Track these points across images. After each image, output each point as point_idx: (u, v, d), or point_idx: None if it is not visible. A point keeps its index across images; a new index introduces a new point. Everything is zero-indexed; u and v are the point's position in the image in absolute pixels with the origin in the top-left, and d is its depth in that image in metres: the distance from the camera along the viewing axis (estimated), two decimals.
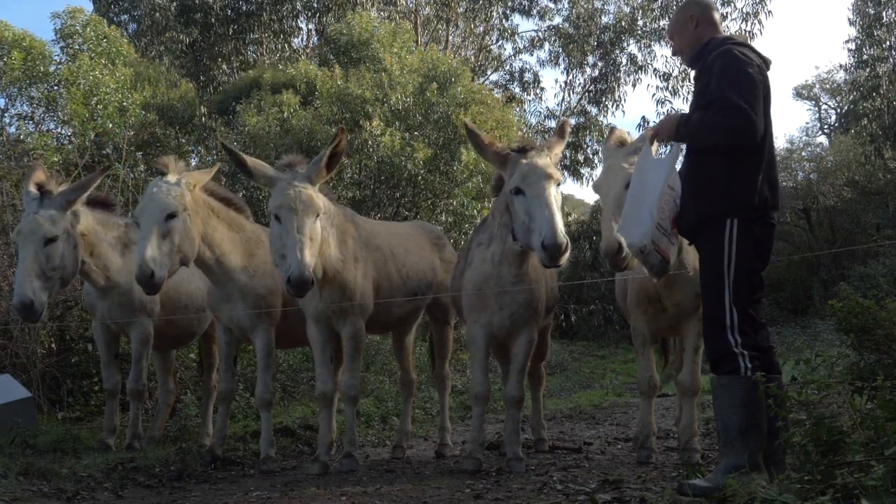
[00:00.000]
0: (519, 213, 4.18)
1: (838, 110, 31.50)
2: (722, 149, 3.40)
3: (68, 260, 5.08)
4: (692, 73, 3.95)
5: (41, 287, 4.91)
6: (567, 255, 4.02)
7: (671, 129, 3.54)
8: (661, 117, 3.57)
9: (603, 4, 24.38)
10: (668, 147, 3.85)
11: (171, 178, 4.61)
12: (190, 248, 4.57)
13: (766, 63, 3.62)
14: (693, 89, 3.78)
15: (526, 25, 49.68)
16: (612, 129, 4.62)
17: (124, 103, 13.55)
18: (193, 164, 15.75)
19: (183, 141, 15.14)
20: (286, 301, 5.02)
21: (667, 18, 23.58)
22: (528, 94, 25.88)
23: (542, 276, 4.67)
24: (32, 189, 5.13)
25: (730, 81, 3.37)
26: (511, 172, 4.25)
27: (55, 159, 9.42)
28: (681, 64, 23.84)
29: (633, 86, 25.03)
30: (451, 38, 23.67)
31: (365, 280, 4.76)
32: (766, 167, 3.45)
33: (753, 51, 3.61)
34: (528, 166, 4.19)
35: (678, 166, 3.73)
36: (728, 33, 3.84)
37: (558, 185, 4.25)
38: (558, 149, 4.50)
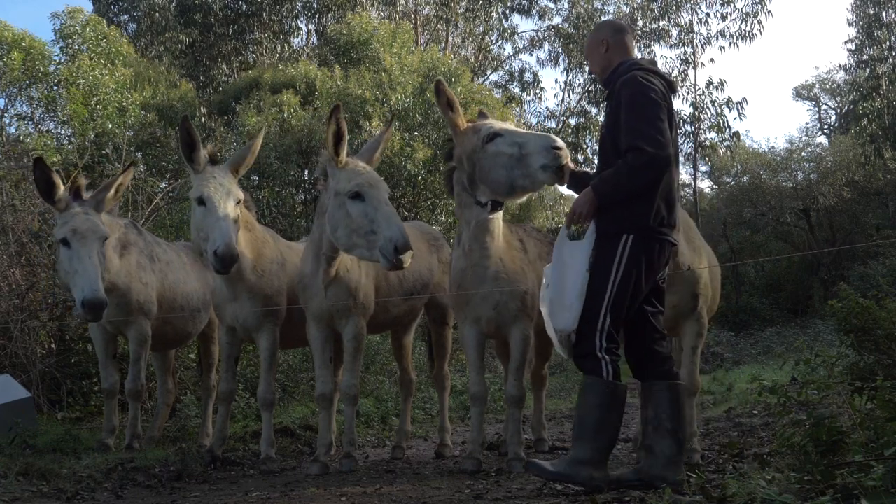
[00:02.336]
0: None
1: (838, 110, 31.54)
2: (644, 189, 3.57)
3: (104, 261, 5.14)
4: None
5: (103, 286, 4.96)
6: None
7: (590, 204, 3.66)
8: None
9: (603, 4, 24.38)
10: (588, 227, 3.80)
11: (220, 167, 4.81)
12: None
13: (670, 87, 3.80)
14: (605, 111, 3.95)
15: (526, 25, 49.75)
16: None
17: (124, 103, 13.56)
18: None
19: None
20: (290, 301, 5.03)
21: (667, 18, 23.62)
22: (528, 95, 25.90)
23: (525, 264, 4.62)
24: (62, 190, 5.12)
25: (638, 112, 3.56)
26: None
27: (55, 159, 9.42)
28: (680, 64, 23.90)
29: None
30: (450, 38, 23.68)
31: (367, 280, 4.78)
32: (665, 188, 3.64)
33: (658, 75, 3.77)
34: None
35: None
36: (638, 57, 4.00)
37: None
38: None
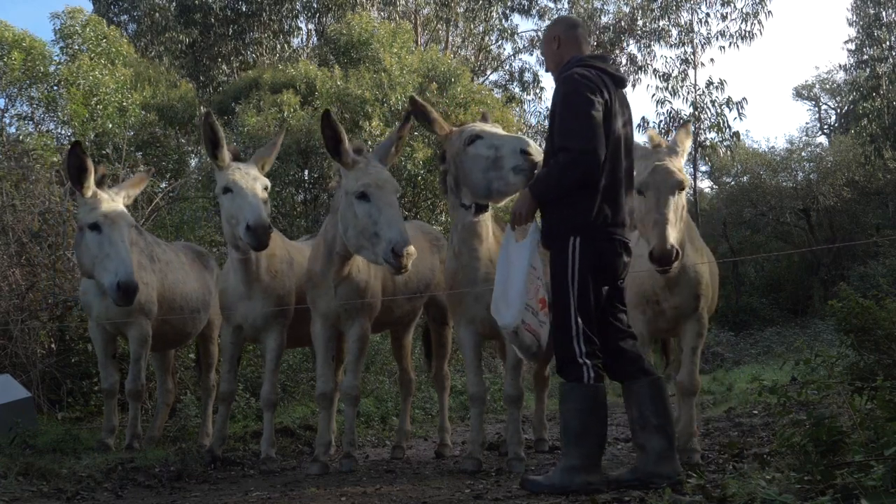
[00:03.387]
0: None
1: (838, 110, 31.53)
2: (574, 188, 3.60)
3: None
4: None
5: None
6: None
7: (530, 205, 3.74)
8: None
9: (602, 4, 24.39)
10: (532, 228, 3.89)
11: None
12: None
13: (617, 81, 3.80)
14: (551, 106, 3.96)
15: (526, 25, 49.79)
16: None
17: (124, 103, 13.57)
18: (193, 164, 15.79)
19: (183, 141, 15.17)
20: (298, 301, 5.03)
21: (667, 18, 23.61)
22: (528, 94, 25.88)
23: None
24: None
25: (565, 111, 3.60)
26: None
27: (55, 159, 9.41)
28: (680, 64, 23.89)
29: (633, 86, 25.00)
30: (450, 38, 23.68)
31: (375, 280, 4.78)
32: (608, 188, 3.66)
33: (599, 69, 3.75)
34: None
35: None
36: (590, 52, 3.99)
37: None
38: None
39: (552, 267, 3.70)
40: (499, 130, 4.40)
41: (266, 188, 4.83)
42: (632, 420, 3.76)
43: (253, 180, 4.74)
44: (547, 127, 3.91)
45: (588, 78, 3.65)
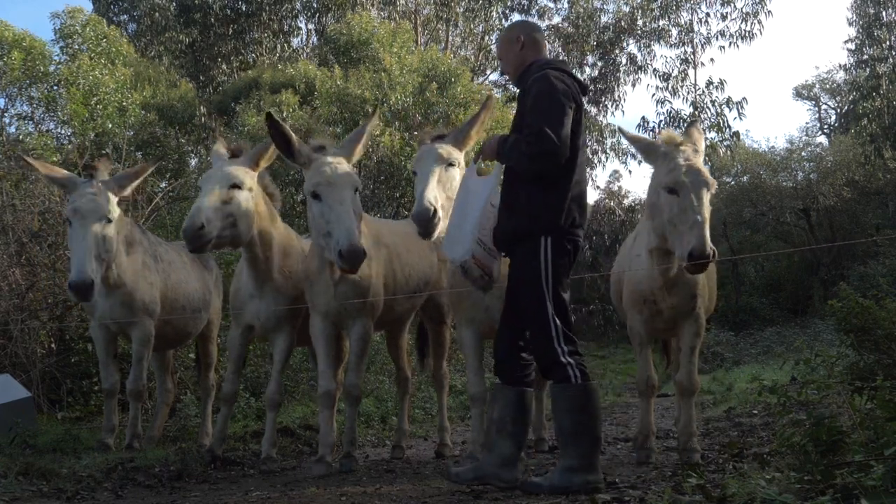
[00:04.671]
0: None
1: (838, 110, 31.53)
2: (530, 172, 3.63)
3: (115, 244, 5.11)
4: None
5: (97, 267, 4.91)
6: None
7: (494, 149, 3.76)
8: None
9: (602, 4, 24.42)
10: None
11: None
12: (245, 227, 4.52)
13: (582, 88, 3.84)
14: (516, 109, 3.96)
15: None
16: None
17: (124, 103, 13.58)
18: (193, 164, 15.78)
19: (182, 141, 15.17)
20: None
21: (667, 18, 23.62)
22: None
23: None
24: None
25: (542, 109, 3.60)
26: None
27: (55, 159, 9.42)
28: (680, 64, 23.89)
29: (633, 86, 25.07)
30: (450, 37, 23.68)
31: (378, 279, 4.72)
32: (578, 190, 3.72)
33: (570, 76, 3.81)
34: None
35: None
36: (551, 56, 3.99)
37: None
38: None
39: (522, 271, 3.70)
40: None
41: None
42: (490, 420, 3.84)
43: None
44: (513, 129, 3.90)
45: (563, 82, 3.69)
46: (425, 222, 4.01)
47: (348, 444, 4.75)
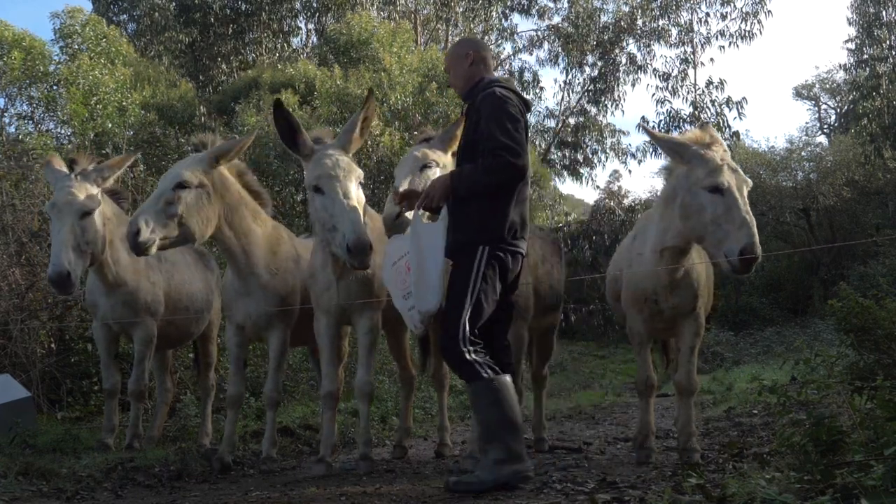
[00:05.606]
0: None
1: (838, 110, 31.54)
2: (493, 186, 3.70)
3: (99, 236, 5.06)
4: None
5: (76, 259, 4.87)
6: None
7: (445, 191, 3.78)
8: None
9: (602, 4, 24.43)
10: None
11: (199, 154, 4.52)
12: (197, 225, 4.36)
13: (526, 105, 3.94)
14: (465, 125, 4.02)
15: (525, 25, 49.70)
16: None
17: (124, 103, 13.58)
18: None
19: (182, 141, 15.16)
20: (304, 300, 4.97)
21: (667, 18, 23.62)
22: (528, 94, 25.88)
23: (524, 268, 4.60)
24: (59, 167, 5.11)
25: (498, 123, 3.69)
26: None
27: None
28: (680, 64, 23.88)
29: (633, 85, 25.08)
30: (450, 37, 23.69)
31: (380, 272, 4.68)
32: (519, 202, 3.81)
33: (515, 93, 3.90)
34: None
35: None
36: (497, 75, 4.17)
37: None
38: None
39: (455, 275, 3.77)
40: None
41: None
42: (477, 425, 3.90)
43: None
44: (461, 139, 3.98)
45: (512, 99, 3.81)
46: (387, 230, 4.17)
47: (364, 445, 4.63)
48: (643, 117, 25.83)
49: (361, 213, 4.15)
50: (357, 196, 4.18)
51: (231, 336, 5.00)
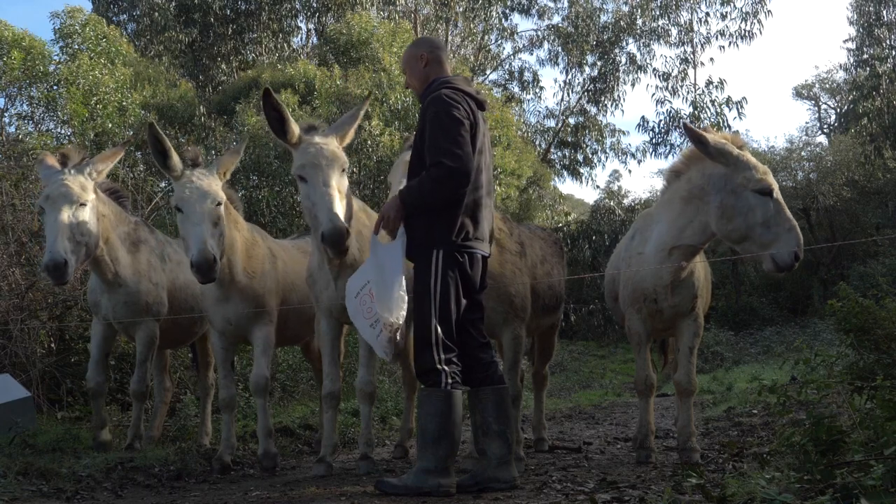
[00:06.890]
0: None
1: (838, 110, 31.51)
2: (442, 200, 3.71)
3: (94, 228, 5.03)
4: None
5: (72, 249, 4.84)
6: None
7: (398, 211, 3.78)
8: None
9: (602, 3, 24.43)
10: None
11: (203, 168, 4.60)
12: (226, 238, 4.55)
13: (480, 105, 3.91)
14: (417, 130, 4.01)
15: (525, 25, 49.77)
16: None
17: (124, 103, 13.57)
18: None
19: (182, 141, 15.14)
20: (284, 301, 4.99)
21: (666, 18, 23.62)
22: (528, 94, 25.93)
23: (517, 268, 4.62)
24: (52, 162, 5.08)
25: (441, 128, 3.69)
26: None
27: None
28: (680, 64, 23.87)
29: (633, 85, 25.07)
30: (450, 37, 23.69)
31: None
32: (469, 205, 3.79)
33: (465, 92, 3.86)
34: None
35: None
36: (452, 75, 4.08)
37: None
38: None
39: (416, 282, 3.80)
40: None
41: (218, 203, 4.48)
42: (475, 425, 3.89)
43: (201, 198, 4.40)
44: (414, 140, 3.97)
45: (455, 100, 3.76)
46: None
47: (364, 446, 4.60)
48: (643, 117, 25.81)
49: (343, 200, 4.11)
50: (339, 184, 4.13)
51: (215, 341, 4.98)
